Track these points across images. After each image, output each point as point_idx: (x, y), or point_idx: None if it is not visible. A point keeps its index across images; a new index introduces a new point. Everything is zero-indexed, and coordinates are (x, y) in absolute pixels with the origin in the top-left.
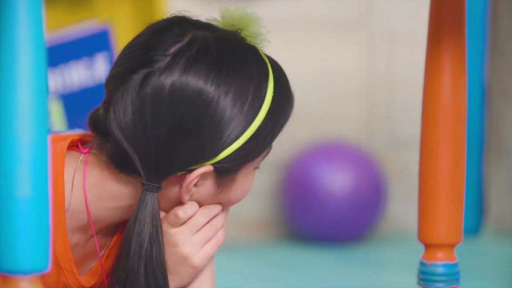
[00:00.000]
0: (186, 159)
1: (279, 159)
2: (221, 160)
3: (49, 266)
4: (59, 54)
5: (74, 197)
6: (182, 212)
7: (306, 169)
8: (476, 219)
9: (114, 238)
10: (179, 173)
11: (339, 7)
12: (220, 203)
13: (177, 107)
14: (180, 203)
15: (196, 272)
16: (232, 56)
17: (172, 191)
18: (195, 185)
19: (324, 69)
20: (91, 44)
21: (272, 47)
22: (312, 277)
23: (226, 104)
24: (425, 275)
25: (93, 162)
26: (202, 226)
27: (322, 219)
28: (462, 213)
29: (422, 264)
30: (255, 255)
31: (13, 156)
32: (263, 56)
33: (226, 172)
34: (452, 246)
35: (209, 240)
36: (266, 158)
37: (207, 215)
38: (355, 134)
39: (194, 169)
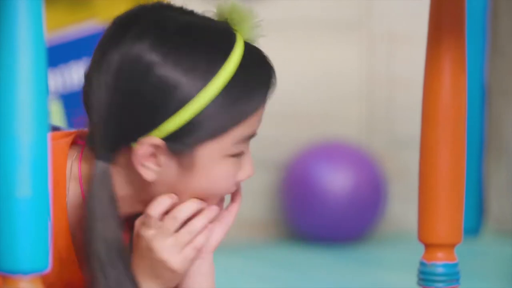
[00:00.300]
0: (131, 128)
1: (279, 159)
2: (169, 133)
3: (49, 266)
4: (59, 54)
5: (72, 190)
6: (151, 210)
7: (306, 169)
8: (476, 219)
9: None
10: (131, 145)
11: (339, 7)
12: (201, 199)
13: (119, 75)
14: (150, 188)
15: (178, 276)
16: (188, 32)
17: (131, 168)
18: (156, 164)
19: (324, 69)
20: (91, 44)
21: (272, 47)
22: (312, 277)
23: (168, 72)
24: (425, 275)
25: (87, 156)
26: (178, 229)
27: (322, 219)
28: (462, 213)
29: (422, 264)
30: (255, 255)
31: (13, 156)
32: (237, 40)
33: (179, 149)
34: (452, 246)
35: (188, 243)
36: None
37: (178, 219)
38: (355, 134)
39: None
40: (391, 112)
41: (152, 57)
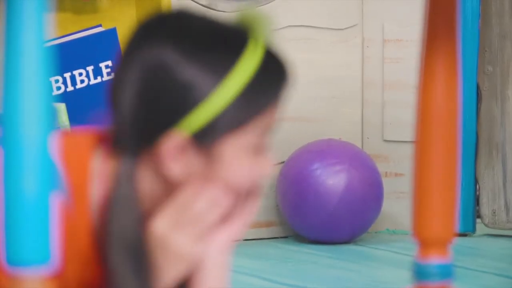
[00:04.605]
0: (157, 126)
1: (278, 159)
2: (195, 128)
3: (51, 261)
4: (64, 59)
5: (98, 190)
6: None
7: (304, 169)
8: (469, 217)
9: None
10: (158, 141)
11: (336, 10)
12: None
13: (144, 76)
14: (174, 186)
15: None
16: (207, 33)
17: (156, 165)
18: (183, 160)
19: (323, 70)
20: (96, 50)
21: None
22: (309, 276)
23: (191, 70)
24: (419, 272)
25: (112, 155)
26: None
27: (319, 218)
28: (456, 210)
29: (416, 261)
30: (254, 253)
31: (19, 156)
32: (252, 38)
33: (205, 143)
34: (446, 243)
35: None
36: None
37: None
38: (353, 135)
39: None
40: (386, 114)
41: (174, 56)
